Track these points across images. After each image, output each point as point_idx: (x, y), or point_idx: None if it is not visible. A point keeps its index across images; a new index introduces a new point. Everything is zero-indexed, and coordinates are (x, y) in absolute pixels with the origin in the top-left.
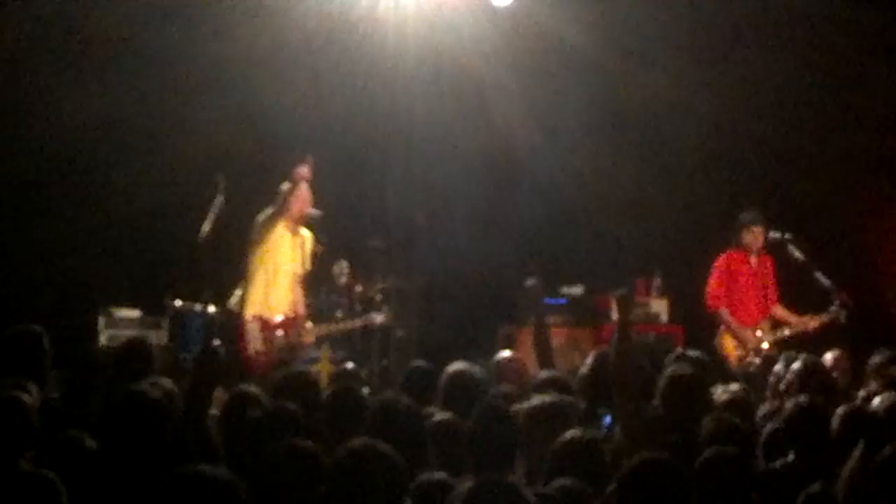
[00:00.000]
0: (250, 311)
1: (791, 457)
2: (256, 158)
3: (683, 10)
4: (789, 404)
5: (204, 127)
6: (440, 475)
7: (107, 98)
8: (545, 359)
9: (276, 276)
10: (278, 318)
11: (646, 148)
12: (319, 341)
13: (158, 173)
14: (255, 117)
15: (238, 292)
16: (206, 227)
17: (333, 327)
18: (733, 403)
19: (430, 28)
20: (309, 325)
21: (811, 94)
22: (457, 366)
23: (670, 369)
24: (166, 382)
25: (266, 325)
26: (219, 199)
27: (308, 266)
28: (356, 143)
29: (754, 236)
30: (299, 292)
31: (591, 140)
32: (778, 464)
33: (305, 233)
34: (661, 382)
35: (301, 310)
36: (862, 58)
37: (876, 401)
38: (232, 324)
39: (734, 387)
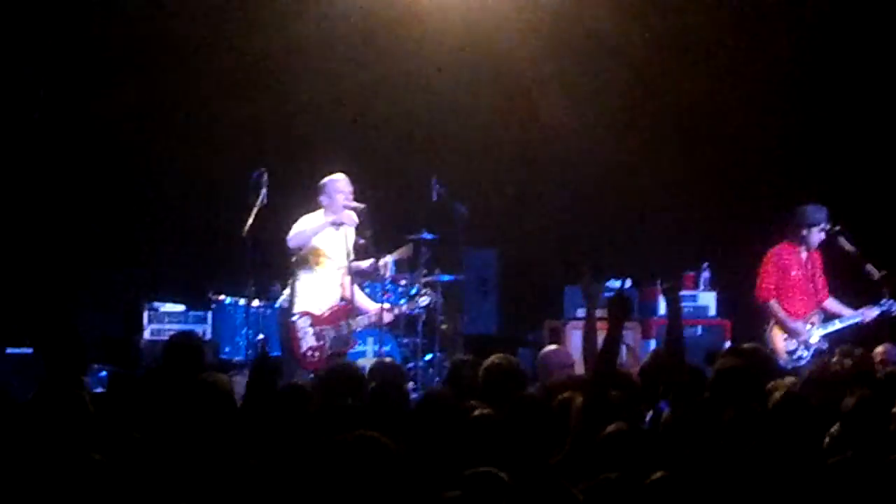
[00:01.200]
0: (299, 309)
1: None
2: (300, 152)
3: (726, 2)
4: (850, 400)
5: (247, 121)
6: (488, 468)
7: (151, 93)
8: (590, 354)
9: (324, 272)
10: (326, 312)
11: (694, 139)
12: (368, 331)
13: (203, 168)
14: (298, 111)
15: (286, 291)
16: (249, 221)
17: (379, 316)
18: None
19: (472, 20)
20: (358, 316)
21: (861, 83)
22: (493, 358)
23: (720, 361)
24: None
25: (316, 320)
26: (262, 194)
27: (352, 258)
28: (398, 135)
29: (819, 236)
30: (346, 285)
31: (637, 132)
32: (838, 459)
33: (347, 227)
34: (712, 375)
35: (349, 298)
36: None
37: None
38: (284, 322)
39: (790, 379)
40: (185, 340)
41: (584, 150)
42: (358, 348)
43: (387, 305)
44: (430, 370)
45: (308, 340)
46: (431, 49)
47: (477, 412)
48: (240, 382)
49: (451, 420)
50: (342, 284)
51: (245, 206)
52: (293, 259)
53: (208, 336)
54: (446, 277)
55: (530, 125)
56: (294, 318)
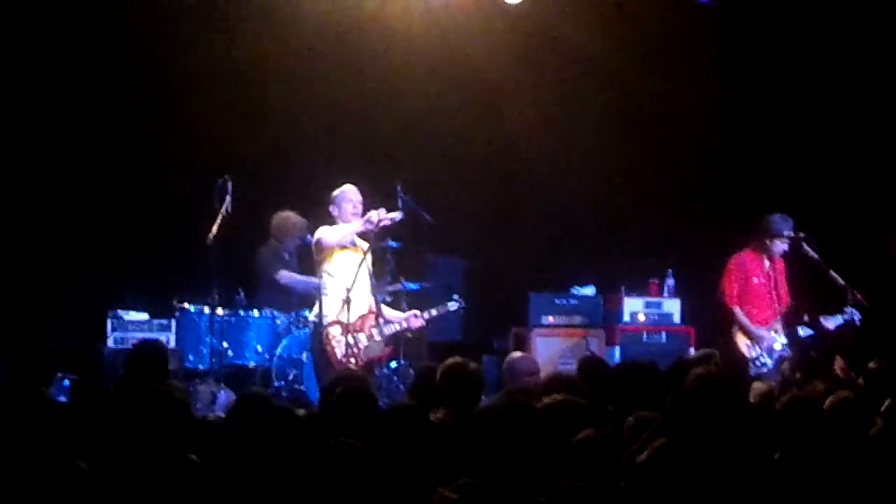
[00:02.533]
0: (329, 319)
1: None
2: (265, 159)
3: (694, 11)
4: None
5: (212, 128)
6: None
7: (116, 101)
8: None
9: (351, 284)
10: (355, 319)
11: (658, 149)
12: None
13: (166, 175)
14: (263, 118)
15: (316, 307)
16: (214, 228)
17: (409, 322)
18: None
19: (440, 27)
20: (383, 322)
21: (825, 94)
22: (450, 361)
23: (698, 369)
24: (178, 385)
25: (346, 329)
26: (226, 201)
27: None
28: (364, 143)
29: (782, 246)
30: (371, 294)
31: (603, 140)
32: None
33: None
34: (689, 382)
35: (374, 309)
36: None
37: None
38: (318, 332)
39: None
40: (148, 349)
41: (550, 159)
42: None
43: (416, 311)
44: (395, 378)
45: (341, 348)
46: (398, 58)
47: (438, 420)
48: (204, 391)
49: (416, 429)
50: (369, 297)
51: (210, 213)
52: (321, 274)
53: (172, 344)
54: (411, 285)
55: (497, 133)
56: (326, 329)
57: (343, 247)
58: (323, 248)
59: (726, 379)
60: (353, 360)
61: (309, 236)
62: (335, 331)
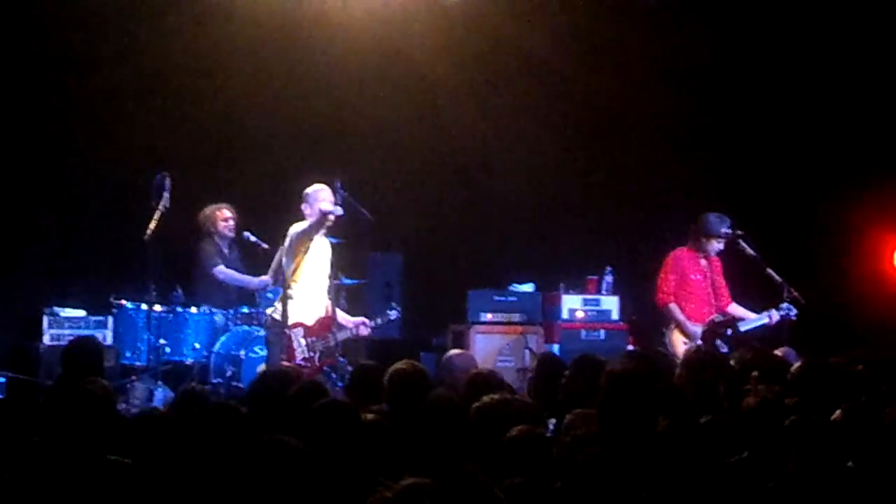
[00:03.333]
0: (292, 320)
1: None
2: (203, 155)
3: (635, 10)
4: (749, 400)
5: (150, 125)
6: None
7: (54, 97)
8: None
9: (313, 284)
10: (313, 323)
11: (598, 146)
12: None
13: (104, 172)
14: (201, 113)
15: (278, 304)
16: (152, 225)
17: (357, 329)
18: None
19: (380, 24)
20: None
21: (766, 97)
22: (399, 364)
23: (611, 366)
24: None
25: (308, 331)
26: (164, 197)
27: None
28: (302, 139)
29: (718, 245)
30: (328, 301)
31: (543, 138)
32: (735, 459)
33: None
34: (603, 379)
35: (331, 312)
36: (829, 54)
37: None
38: (279, 331)
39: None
40: (83, 346)
41: (488, 156)
42: (261, 352)
43: (364, 319)
44: (334, 375)
45: (301, 352)
46: (338, 54)
47: (372, 417)
48: (140, 388)
49: (349, 426)
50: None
51: (147, 209)
52: (287, 273)
53: (109, 341)
54: (350, 282)
55: (437, 131)
56: (291, 329)
57: (308, 247)
58: (295, 246)
59: (639, 376)
60: (309, 363)
61: (248, 233)
62: (298, 333)
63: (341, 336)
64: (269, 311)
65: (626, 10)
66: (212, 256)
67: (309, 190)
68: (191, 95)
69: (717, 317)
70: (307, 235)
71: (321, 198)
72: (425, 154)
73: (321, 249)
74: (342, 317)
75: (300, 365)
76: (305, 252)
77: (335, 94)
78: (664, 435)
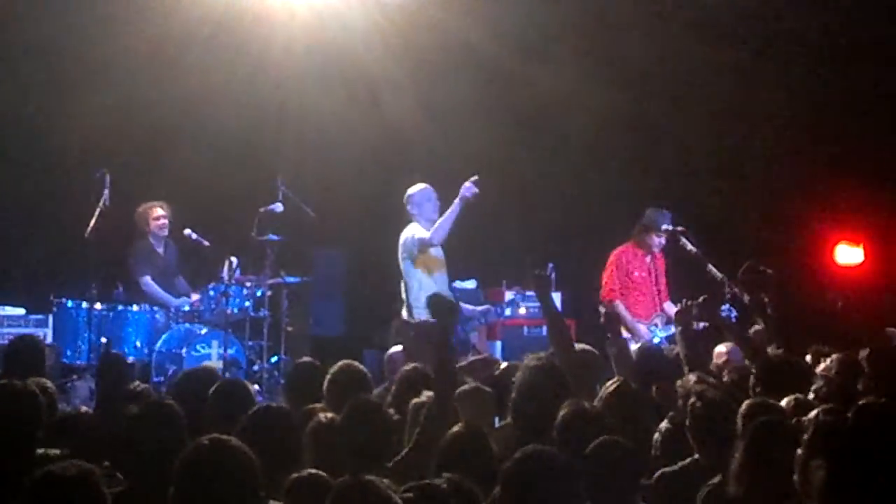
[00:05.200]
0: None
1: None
2: (144, 152)
3: (576, 5)
4: (694, 402)
5: (88, 121)
6: (314, 472)
7: None
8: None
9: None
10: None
11: (538, 142)
12: (213, 334)
13: (41, 168)
14: (143, 110)
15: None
16: (92, 222)
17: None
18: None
19: (320, 20)
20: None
21: (705, 87)
22: (340, 365)
23: (525, 363)
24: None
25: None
26: (104, 195)
27: None
28: (246, 137)
29: (659, 240)
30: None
31: (484, 132)
32: (679, 465)
33: None
34: (517, 376)
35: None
36: (755, 48)
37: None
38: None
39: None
40: (24, 345)
41: (430, 151)
42: (203, 351)
43: (488, 306)
44: (276, 373)
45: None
46: (278, 50)
47: (317, 417)
48: (82, 387)
49: (282, 425)
50: None
51: (87, 207)
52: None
53: (49, 340)
54: (293, 279)
55: (377, 126)
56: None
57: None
58: (426, 247)
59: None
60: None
61: (189, 231)
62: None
63: (470, 326)
64: (414, 315)
65: (566, 1)
66: (141, 262)
67: (414, 191)
68: (131, 91)
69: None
70: (446, 232)
71: (428, 197)
72: (368, 150)
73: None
74: (468, 307)
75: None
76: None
77: (276, 90)
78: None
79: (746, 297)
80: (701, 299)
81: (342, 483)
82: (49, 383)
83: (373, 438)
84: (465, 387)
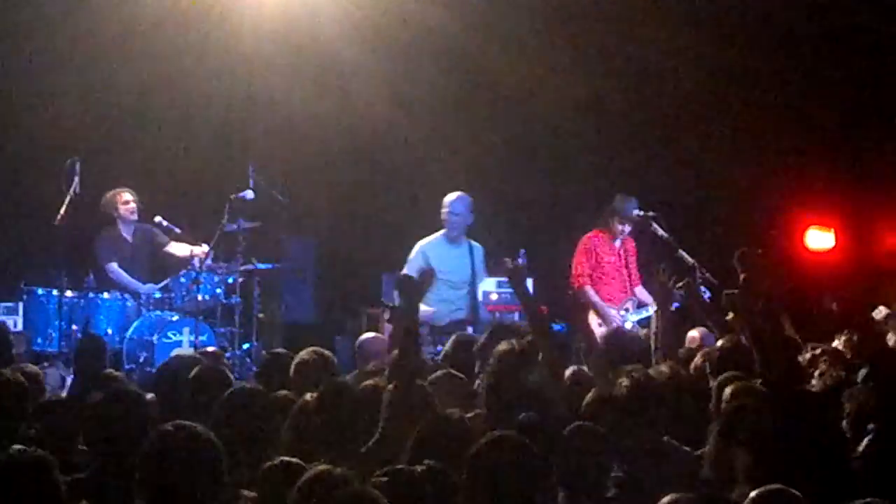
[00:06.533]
0: None
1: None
2: (114, 140)
3: None
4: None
5: (58, 108)
6: (287, 459)
7: None
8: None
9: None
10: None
11: (509, 129)
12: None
13: (9, 155)
14: (114, 99)
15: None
16: (62, 210)
17: None
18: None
19: (291, 7)
20: None
21: (675, 73)
22: (304, 353)
23: (499, 346)
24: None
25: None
26: (75, 182)
27: None
28: (215, 123)
29: (625, 226)
30: None
31: (455, 120)
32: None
33: None
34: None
35: None
36: (723, 33)
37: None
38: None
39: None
40: None
41: (400, 138)
42: (174, 338)
43: None
44: (248, 360)
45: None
46: (249, 37)
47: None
48: (53, 374)
49: (258, 410)
50: None
51: (57, 194)
52: None
53: (20, 328)
54: (264, 266)
55: (348, 113)
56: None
57: None
58: None
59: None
60: None
61: (159, 218)
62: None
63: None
64: None
65: None
66: (107, 249)
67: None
68: (101, 78)
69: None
70: None
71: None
72: (338, 138)
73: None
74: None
75: None
76: None
77: (247, 78)
78: None
79: (742, 278)
80: (683, 282)
81: (309, 476)
82: (33, 367)
83: (346, 421)
84: (439, 373)
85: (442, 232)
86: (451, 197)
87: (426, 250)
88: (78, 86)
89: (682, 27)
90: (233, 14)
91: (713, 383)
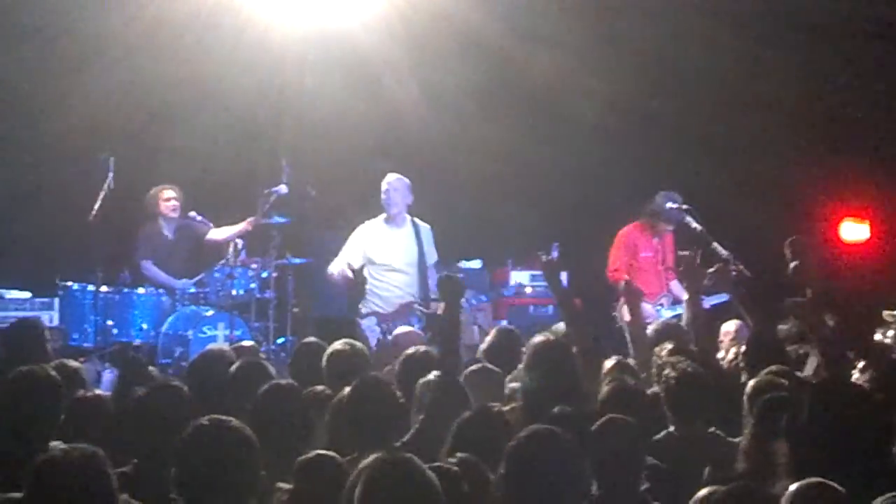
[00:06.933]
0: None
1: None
2: (146, 136)
3: None
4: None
5: (91, 104)
6: (322, 453)
7: None
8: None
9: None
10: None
11: (541, 125)
12: (219, 315)
13: (45, 152)
14: (143, 94)
15: None
16: (96, 206)
17: None
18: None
19: (319, 3)
20: None
21: (709, 69)
22: (337, 344)
23: (535, 339)
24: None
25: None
26: (108, 178)
27: None
28: (246, 119)
29: (666, 225)
30: None
31: (488, 113)
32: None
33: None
34: (527, 352)
35: None
36: (758, 29)
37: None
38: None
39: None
40: (23, 328)
41: (435, 133)
42: (209, 332)
43: None
44: (283, 354)
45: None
46: (278, 32)
47: (317, 394)
48: (89, 370)
49: (293, 404)
50: None
51: (92, 191)
52: None
53: (55, 323)
54: (298, 261)
55: (380, 110)
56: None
57: None
58: None
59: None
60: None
61: (193, 213)
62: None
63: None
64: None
65: None
66: (144, 246)
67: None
68: (134, 75)
69: None
70: None
71: None
72: (371, 132)
73: None
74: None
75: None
76: None
77: (278, 75)
78: None
79: (792, 266)
80: (715, 267)
81: (375, 461)
82: (74, 363)
83: (381, 416)
84: (474, 367)
85: (382, 215)
86: (388, 177)
87: (360, 234)
88: (111, 83)
89: (716, 21)
90: (265, 11)
91: (746, 377)
